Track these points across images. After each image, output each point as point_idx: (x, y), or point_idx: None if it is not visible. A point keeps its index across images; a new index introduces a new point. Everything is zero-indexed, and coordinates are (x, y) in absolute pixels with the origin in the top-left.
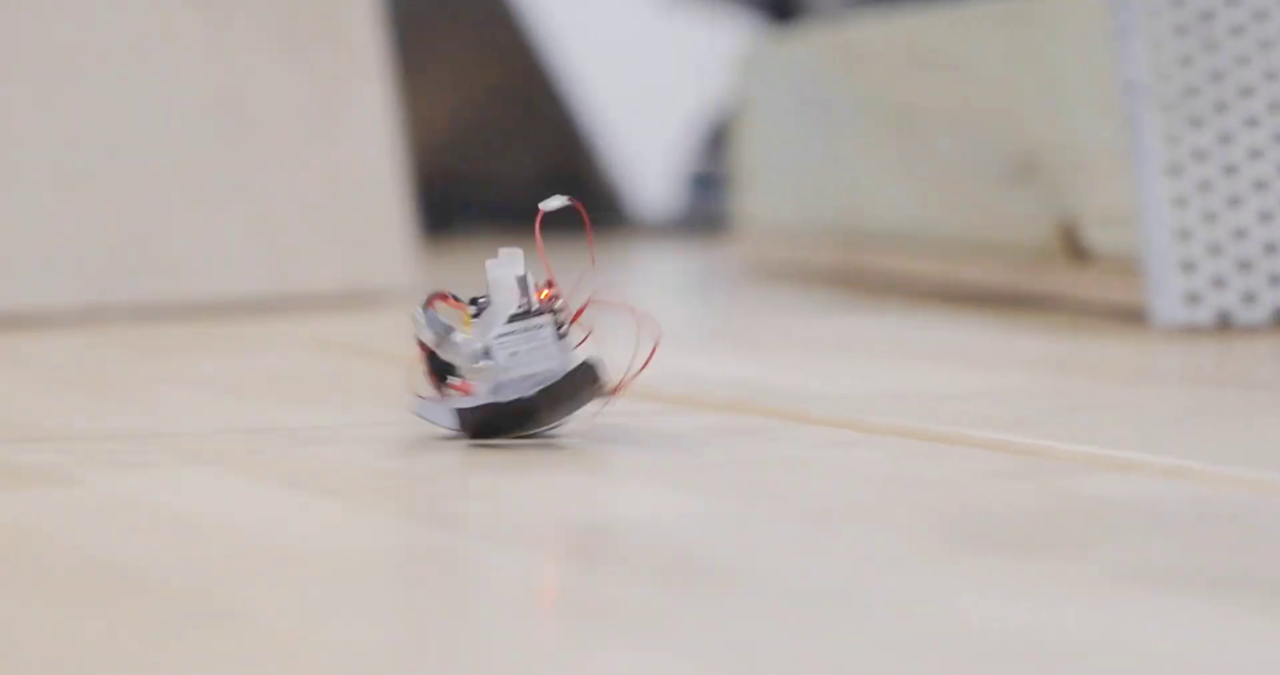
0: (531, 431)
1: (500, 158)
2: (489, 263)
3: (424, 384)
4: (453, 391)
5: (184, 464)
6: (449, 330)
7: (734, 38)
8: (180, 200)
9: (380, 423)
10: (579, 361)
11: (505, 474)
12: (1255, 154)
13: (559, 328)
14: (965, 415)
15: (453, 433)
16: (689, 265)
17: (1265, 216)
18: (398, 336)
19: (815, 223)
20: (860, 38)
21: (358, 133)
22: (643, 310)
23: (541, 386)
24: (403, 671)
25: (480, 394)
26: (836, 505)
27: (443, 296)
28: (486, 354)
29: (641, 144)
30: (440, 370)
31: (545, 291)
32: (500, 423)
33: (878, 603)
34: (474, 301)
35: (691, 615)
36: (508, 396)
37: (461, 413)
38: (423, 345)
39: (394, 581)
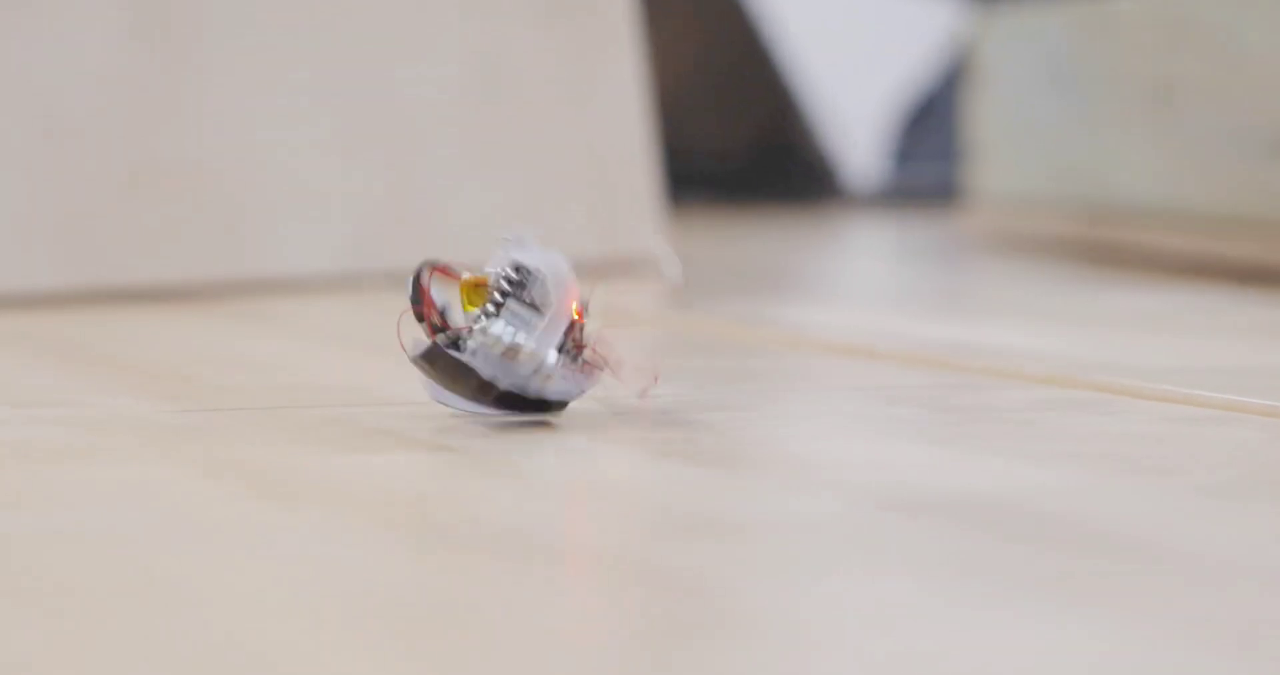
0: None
1: (711, 127)
2: (542, 257)
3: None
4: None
5: (537, 431)
6: (520, 335)
7: (948, 7)
8: (436, 169)
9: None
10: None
11: (878, 442)
12: None
13: (577, 347)
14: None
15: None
16: (919, 237)
17: None
18: (656, 303)
19: (1057, 195)
20: (1115, 10)
21: (609, 101)
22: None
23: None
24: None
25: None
26: (1228, 479)
27: (441, 269)
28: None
29: (853, 114)
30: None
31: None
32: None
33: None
34: (511, 286)
35: (1126, 589)
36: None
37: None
38: (433, 323)
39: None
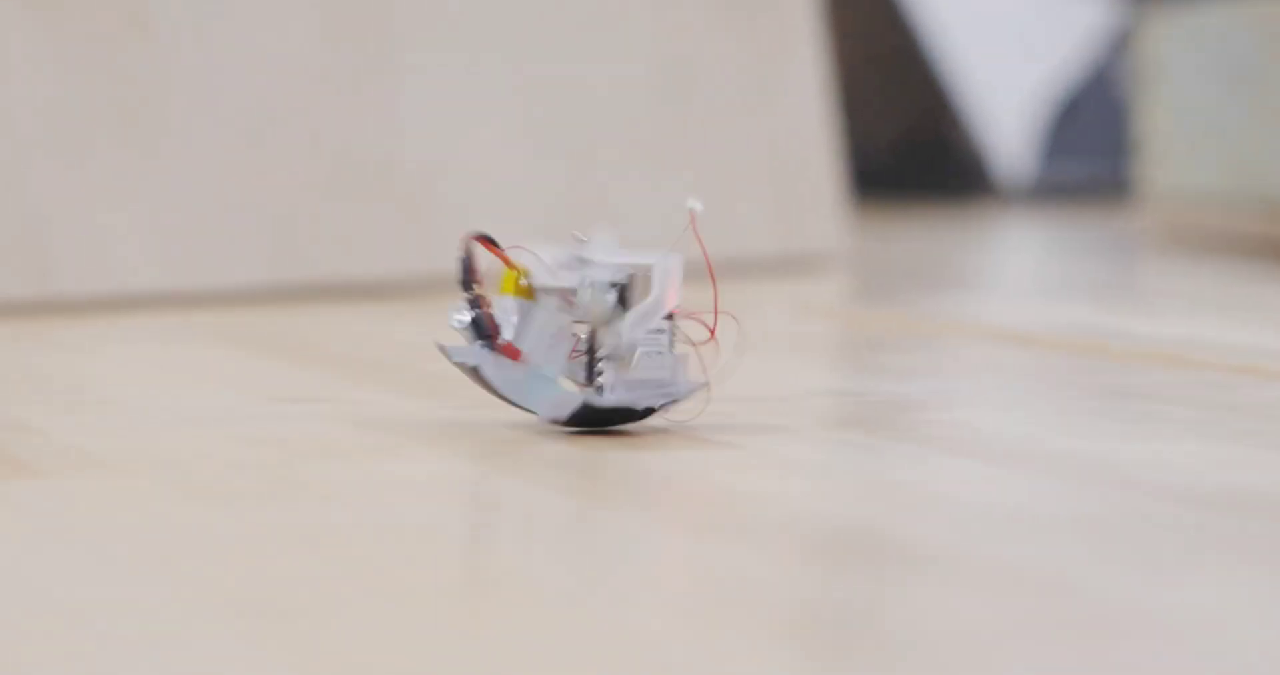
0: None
1: (863, 123)
2: (659, 258)
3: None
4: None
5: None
6: (617, 310)
7: (1101, 4)
8: (622, 165)
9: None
10: (698, 382)
11: (1138, 438)
12: None
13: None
14: None
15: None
16: (1085, 232)
17: None
18: (838, 298)
19: (1234, 192)
20: None
21: (792, 99)
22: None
23: (668, 399)
24: None
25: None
26: None
27: (486, 241)
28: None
29: (1005, 109)
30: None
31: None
32: (602, 417)
33: None
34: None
35: None
36: (636, 400)
37: (575, 404)
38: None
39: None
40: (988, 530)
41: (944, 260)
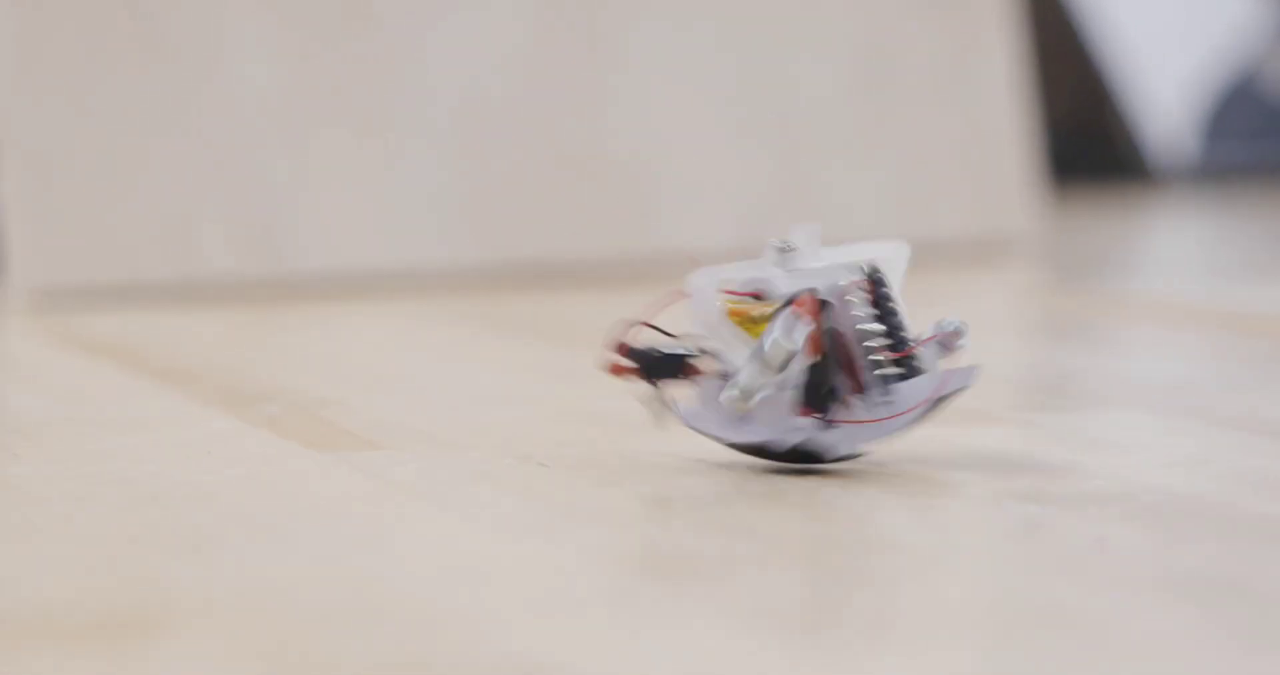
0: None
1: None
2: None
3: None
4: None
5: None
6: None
7: None
8: (823, 153)
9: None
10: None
11: None
12: None
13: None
14: None
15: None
16: (1260, 217)
17: None
18: (1032, 281)
19: None
20: None
21: (987, 87)
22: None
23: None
24: None
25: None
26: None
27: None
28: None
29: (1164, 92)
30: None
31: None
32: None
33: None
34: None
35: None
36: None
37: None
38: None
39: None
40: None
41: (1123, 243)
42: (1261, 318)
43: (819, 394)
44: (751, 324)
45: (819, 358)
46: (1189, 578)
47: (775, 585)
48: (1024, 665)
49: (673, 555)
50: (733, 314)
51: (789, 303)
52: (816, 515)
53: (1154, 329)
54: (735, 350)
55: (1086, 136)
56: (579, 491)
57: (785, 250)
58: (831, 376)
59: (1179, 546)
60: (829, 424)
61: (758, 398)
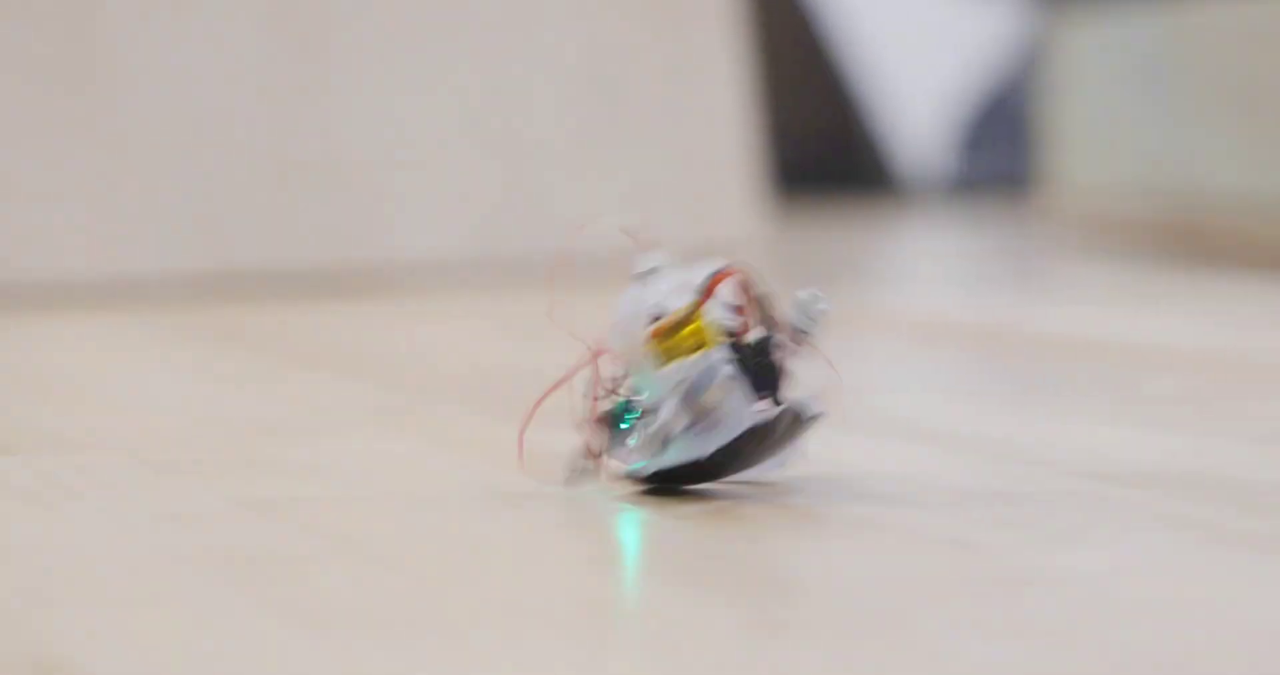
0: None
1: (777, 118)
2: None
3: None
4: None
5: None
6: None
7: (1011, 5)
8: (551, 161)
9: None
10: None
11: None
12: None
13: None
14: None
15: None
16: (1001, 226)
17: None
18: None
19: (1141, 186)
20: (1202, 17)
21: (715, 95)
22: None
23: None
24: None
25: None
26: None
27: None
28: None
29: (917, 105)
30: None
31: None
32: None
33: None
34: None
35: None
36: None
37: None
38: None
39: None
40: (904, 501)
41: (857, 253)
42: (980, 330)
43: (774, 372)
44: (667, 338)
45: (758, 332)
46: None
47: (337, 584)
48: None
49: (236, 557)
50: (654, 334)
51: (711, 282)
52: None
53: (872, 338)
54: (653, 381)
55: (840, 150)
56: (170, 493)
57: (649, 273)
58: (775, 350)
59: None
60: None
61: (676, 433)
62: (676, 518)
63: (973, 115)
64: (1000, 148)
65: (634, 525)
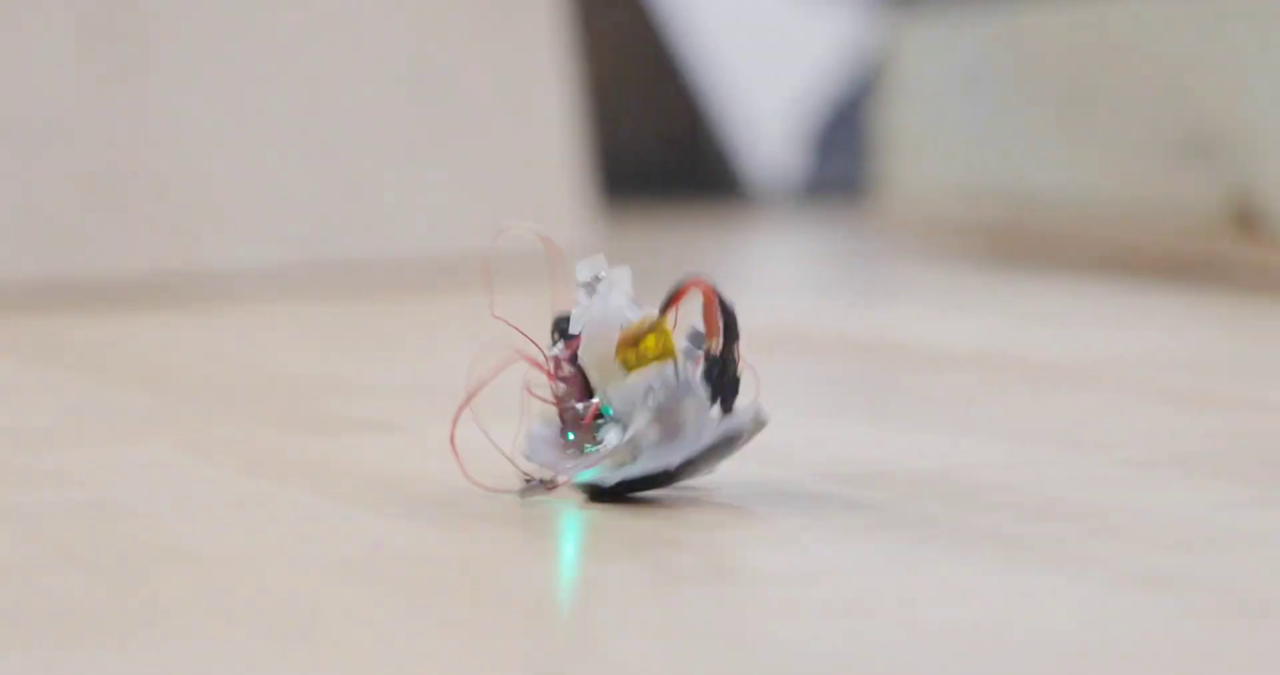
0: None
1: (624, 125)
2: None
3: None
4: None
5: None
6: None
7: (857, 7)
8: (378, 168)
9: None
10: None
11: (824, 423)
12: None
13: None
14: (1212, 373)
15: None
16: (836, 231)
17: None
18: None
19: (971, 191)
20: (1028, 21)
21: (540, 103)
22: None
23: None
24: None
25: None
26: (1160, 455)
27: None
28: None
29: (765, 113)
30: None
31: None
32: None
33: (1232, 538)
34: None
35: (1062, 547)
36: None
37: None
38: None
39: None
40: (629, 498)
41: (691, 259)
42: (781, 332)
43: (732, 381)
44: (631, 347)
45: (721, 342)
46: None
47: (44, 592)
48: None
49: None
50: (620, 343)
51: (677, 292)
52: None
53: None
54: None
55: (689, 155)
56: None
57: (593, 282)
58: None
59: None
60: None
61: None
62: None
63: (821, 120)
64: (849, 152)
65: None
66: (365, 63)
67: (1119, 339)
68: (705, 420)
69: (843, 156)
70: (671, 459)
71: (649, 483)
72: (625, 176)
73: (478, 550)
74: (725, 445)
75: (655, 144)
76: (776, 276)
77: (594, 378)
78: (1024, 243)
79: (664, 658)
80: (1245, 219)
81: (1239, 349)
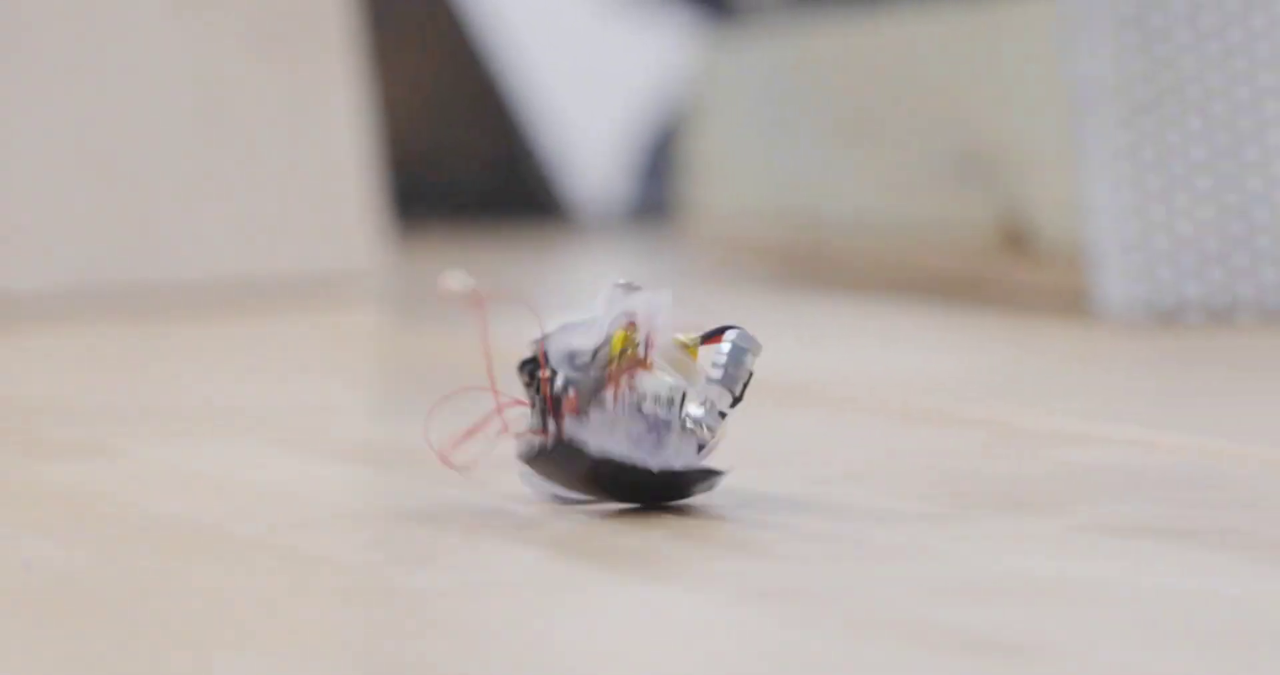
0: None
1: (446, 148)
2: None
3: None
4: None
5: (218, 435)
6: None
7: (677, 33)
8: (165, 189)
9: (391, 394)
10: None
11: None
12: (1186, 146)
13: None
14: (944, 392)
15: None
16: (644, 253)
17: (1196, 205)
18: (378, 322)
19: (770, 213)
20: (816, 44)
21: (331, 124)
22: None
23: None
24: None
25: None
26: (837, 472)
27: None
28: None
29: (587, 136)
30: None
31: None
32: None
33: (886, 549)
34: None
35: (706, 561)
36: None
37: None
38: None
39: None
40: (307, 522)
41: (507, 283)
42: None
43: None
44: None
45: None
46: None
47: None
48: None
49: None
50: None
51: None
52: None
53: (458, 367)
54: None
55: (511, 179)
56: None
57: (627, 285)
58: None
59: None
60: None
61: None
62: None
63: (644, 143)
64: (670, 175)
65: None
66: (149, 83)
67: (874, 357)
68: (688, 441)
69: (665, 179)
70: (655, 460)
71: (621, 477)
72: (447, 200)
73: (123, 574)
74: (700, 479)
75: (479, 168)
76: (569, 296)
77: (658, 362)
78: (817, 263)
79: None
80: (1014, 238)
81: (990, 366)
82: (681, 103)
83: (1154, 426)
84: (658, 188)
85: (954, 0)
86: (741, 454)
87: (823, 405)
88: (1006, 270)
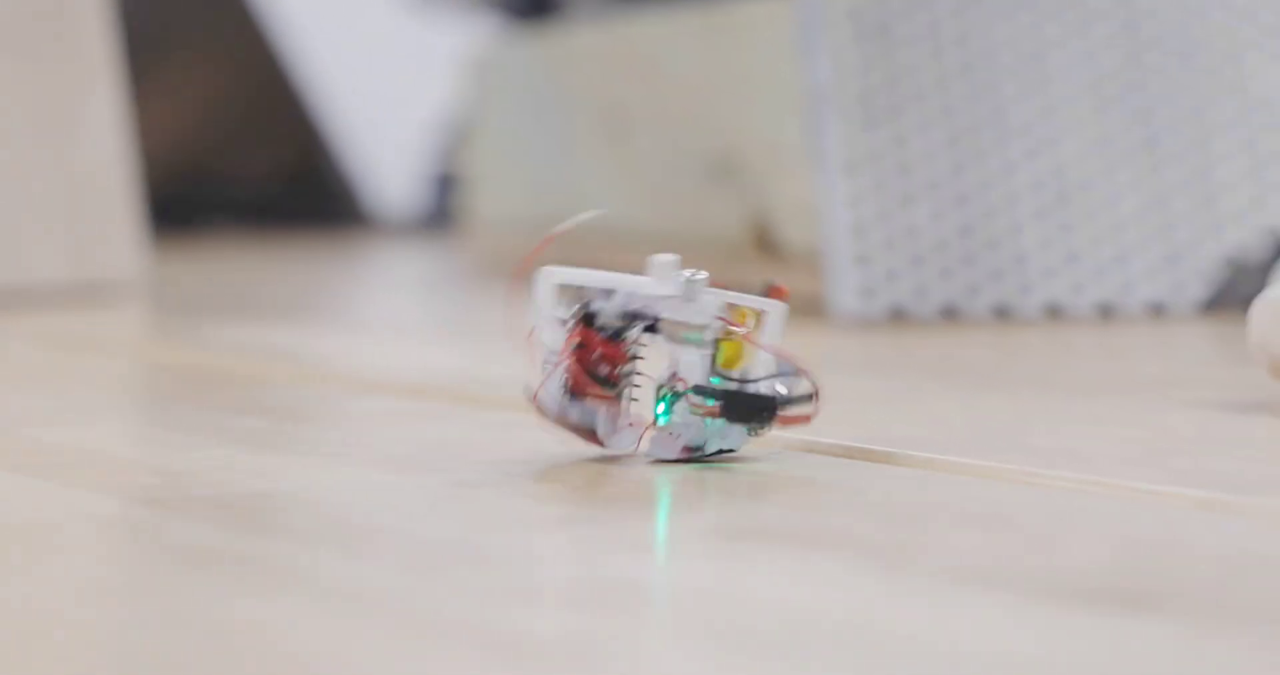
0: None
1: (241, 154)
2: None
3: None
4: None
5: None
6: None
7: (476, 38)
8: None
9: (116, 409)
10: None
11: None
12: (928, 155)
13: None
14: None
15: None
16: (424, 261)
17: (936, 215)
18: (135, 331)
19: (536, 218)
20: (578, 43)
21: (88, 131)
22: None
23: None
24: None
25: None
26: (491, 477)
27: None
28: None
29: (382, 142)
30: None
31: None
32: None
33: (503, 556)
34: None
35: (340, 569)
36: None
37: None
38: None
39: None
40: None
41: (280, 292)
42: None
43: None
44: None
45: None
46: None
47: None
48: None
49: None
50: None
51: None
52: None
53: (243, 380)
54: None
55: (310, 186)
56: None
57: (695, 280)
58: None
59: None
60: None
61: None
62: None
63: (441, 149)
64: (459, 180)
65: None
66: None
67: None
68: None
69: (454, 186)
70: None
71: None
72: (240, 207)
73: None
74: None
75: (273, 174)
76: (354, 310)
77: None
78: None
79: None
80: (763, 241)
81: None
82: (466, 108)
83: (870, 436)
84: (448, 195)
85: None
86: (391, 459)
87: (494, 412)
88: (757, 274)
